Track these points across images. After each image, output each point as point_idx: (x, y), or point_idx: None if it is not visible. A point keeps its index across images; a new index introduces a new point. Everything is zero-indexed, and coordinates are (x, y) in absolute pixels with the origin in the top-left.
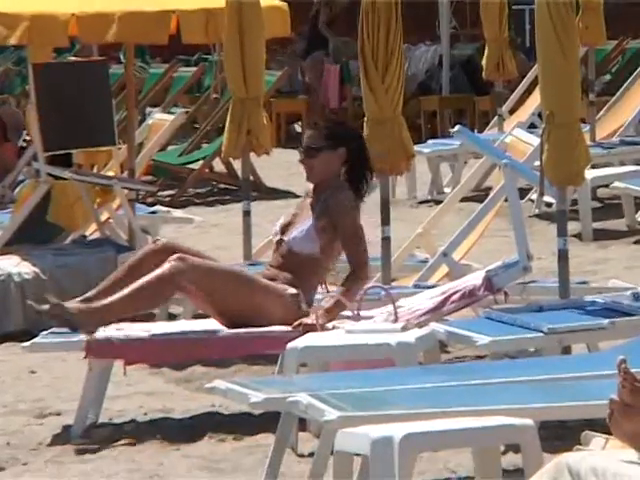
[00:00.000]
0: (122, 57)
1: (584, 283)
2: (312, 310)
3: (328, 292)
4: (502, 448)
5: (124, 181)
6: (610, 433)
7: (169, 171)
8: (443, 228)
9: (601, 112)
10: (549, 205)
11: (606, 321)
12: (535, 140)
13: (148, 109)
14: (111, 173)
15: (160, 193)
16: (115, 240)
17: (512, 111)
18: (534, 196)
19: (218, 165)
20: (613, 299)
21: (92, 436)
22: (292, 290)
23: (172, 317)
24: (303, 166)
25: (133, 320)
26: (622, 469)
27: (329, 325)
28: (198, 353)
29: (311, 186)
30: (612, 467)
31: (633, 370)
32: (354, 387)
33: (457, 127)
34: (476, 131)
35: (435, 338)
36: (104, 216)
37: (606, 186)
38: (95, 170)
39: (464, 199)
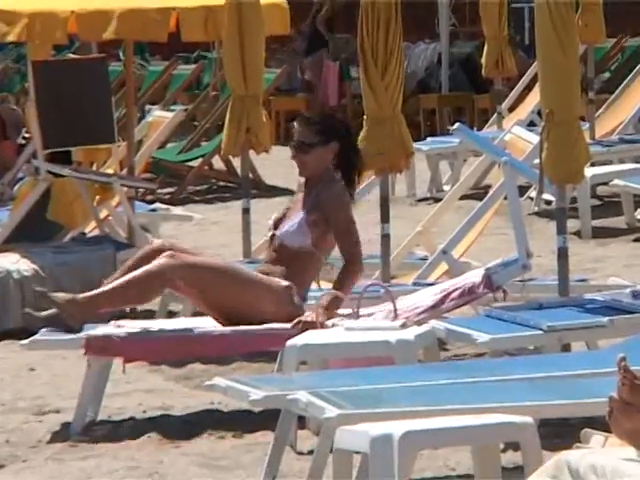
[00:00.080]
0: (121, 54)
1: (583, 281)
2: (313, 309)
3: (320, 288)
4: (502, 446)
5: (123, 179)
6: (610, 431)
7: (168, 169)
8: (442, 226)
9: (600, 110)
10: (548, 203)
11: (605, 319)
12: (534, 138)
13: (147, 106)
14: (110, 171)
15: (159, 191)
16: (114, 238)
17: (511, 109)
18: (533, 194)
19: (217, 163)
20: (612, 297)
21: (91, 434)
22: (284, 283)
23: (172, 315)
24: (295, 162)
25: (133, 318)
26: (621, 467)
27: (328, 323)
28: (197, 351)
29: (303, 180)
30: (611, 465)
31: (633, 368)
32: (353, 385)
33: (456, 125)
34: (475, 129)
35: (434, 336)
36: (103, 213)
37: (605, 184)
38: (94, 167)
39: (463, 197)
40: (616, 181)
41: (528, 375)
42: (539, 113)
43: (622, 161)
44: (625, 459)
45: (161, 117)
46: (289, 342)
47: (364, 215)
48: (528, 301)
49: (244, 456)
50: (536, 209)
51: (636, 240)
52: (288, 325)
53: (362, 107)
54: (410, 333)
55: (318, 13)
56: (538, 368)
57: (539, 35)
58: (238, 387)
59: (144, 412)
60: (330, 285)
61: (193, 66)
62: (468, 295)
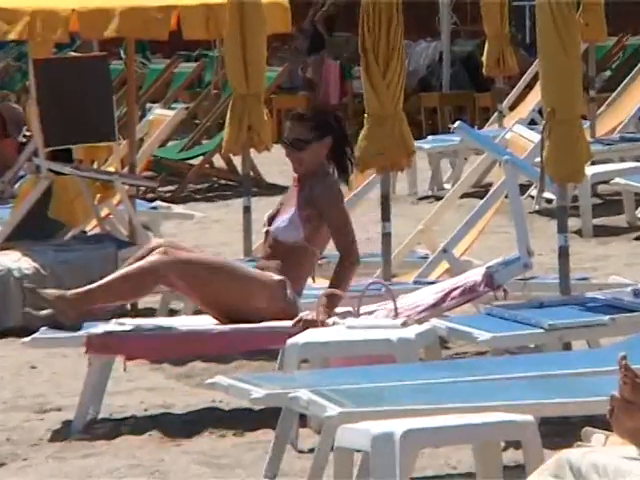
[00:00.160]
0: (122, 53)
1: (584, 279)
2: (312, 307)
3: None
4: (503, 444)
5: (125, 177)
6: (611, 430)
7: (170, 167)
8: (443, 224)
9: (601, 108)
10: (549, 201)
11: (607, 317)
12: (536, 136)
13: (148, 105)
14: (112, 169)
15: (160, 189)
16: (116, 236)
17: (512, 107)
18: (534, 192)
19: (218, 161)
20: (614, 295)
21: (92, 432)
22: (277, 277)
23: (173, 313)
24: (291, 159)
25: (134, 316)
26: (623, 465)
27: (329, 321)
28: (199, 349)
29: (295, 175)
30: (613, 463)
31: (634, 366)
32: (355, 383)
33: (457, 123)
34: (476, 127)
35: (436, 334)
36: (105, 212)
37: (606, 182)
38: (95, 166)
39: (464, 195)
40: (617, 180)
41: (529, 373)
42: (540, 112)
43: (623, 160)
44: (626, 458)
45: (162, 115)
46: (290, 340)
47: (365, 213)
48: (529, 300)
49: (245, 454)
50: (537, 207)
51: (637, 239)
52: (288, 323)
53: (363, 106)
54: (411, 331)
55: (317, 12)
56: (539, 367)
57: (540, 34)
58: (239, 385)
59: (145, 410)
60: (327, 282)
61: (194, 64)
62: (469, 294)
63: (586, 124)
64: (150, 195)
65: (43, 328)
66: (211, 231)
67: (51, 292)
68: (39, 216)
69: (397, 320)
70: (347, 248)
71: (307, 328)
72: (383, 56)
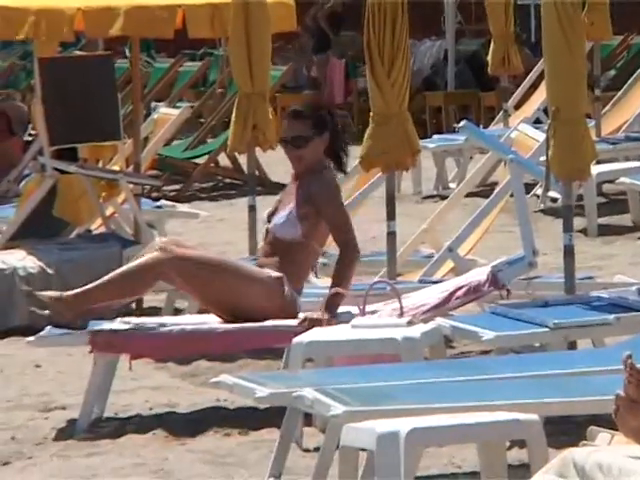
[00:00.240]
0: (127, 51)
1: (589, 279)
2: (315, 306)
3: (316, 275)
4: (507, 443)
5: (129, 175)
6: (616, 429)
7: (174, 166)
8: (448, 223)
9: (606, 107)
10: (554, 200)
11: (612, 316)
12: (541, 135)
13: (153, 104)
14: (116, 167)
15: (165, 188)
16: (121, 235)
17: (517, 106)
18: (539, 191)
19: (223, 160)
20: (619, 294)
21: (97, 430)
22: (274, 274)
23: (178, 312)
24: (290, 157)
25: (139, 315)
26: (628, 465)
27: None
28: (203, 347)
29: (293, 171)
30: (618, 463)
31: (639, 366)
32: (360, 382)
33: (463, 122)
34: (481, 126)
35: (440, 333)
36: (109, 210)
37: (611, 181)
38: (100, 164)
39: (469, 194)
40: (622, 179)
41: (534, 372)
42: (545, 111)
43: (628, 159)
44: (631, 457)
45: (167, 114)
46: (295, 339)
47: (370, 212)
48: (534, 299)
49: (250, 453)
50: (542, 207)
51: None
52: (293, 322)
53: (368, 105)
54: (416, 331)
55: (319, 10)
56: (544, 366)
57: (545, 33)
58: (244, 384)
59: (150, 409)
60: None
61: (199, 63)
62: (474, 293)
63: (591, 123)
64: (155, 194)
65: (48, 327)
66: (216, 230)
67: (47, 294)
68: (44, 215)
69: (402, 319)
70: (346, 244)
71: (312, 327)
72: (388, 55)
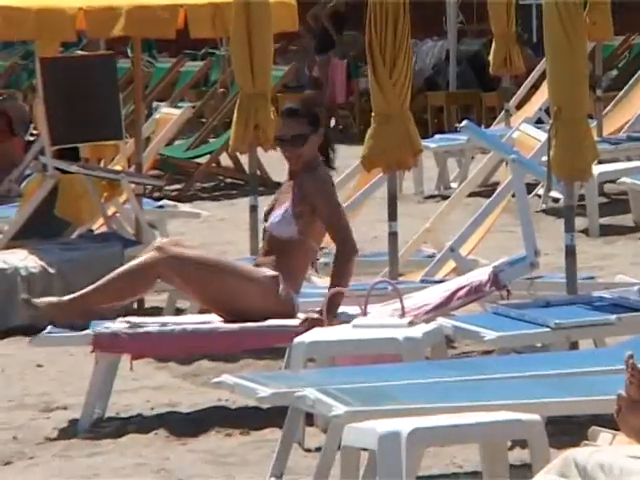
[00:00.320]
0: (129, 51)
1: (591, 279)
2: (318, 305)
3: (317, 272)
4: (509, 443)
5: (131, 175)
6: (617, 429)
7: (176, 165)
8: (450, 223)
9: (608, 108)
10: (556, 200)
11: (613, 316)
12: (542, 135)
13: (155, 103)
14: (118, 167)
15: (167, 187)
16: (122, 234)
17: (519, 106)
18: (541, 191)
19: (225, 160)
20: (620, 295)
21: (99, 430)
22: (270, 273)
23: (179, 311)
24: (289, 156)
25: (140, 314)
26: (629, 465)
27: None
28: (205, 347)
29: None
30: (619, 463)
31: None
32: (361, 382)
33: (464, 122)
34: (483, 126)
35: (442, 333)
36: (111, 210)
37: (613, 182)
38: (102, 164)
39: (471, 194)
40: (624, 179)
41: (536, 372)
42: (547, 111)
43: (629, 159)
44: (633, 457)
45: (169, 114)
46: (297, 339)
47: (371, 212)
48: (536, 299)
49: (251, 453)
50: (544, 207)
51: None
52: (295, 321)
53: (370, 105)
54: (418, 331)
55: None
56: (546, 365)
57: (547, 33)
58: (246, 384)
59: (151, 409)
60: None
61: (200, 63)
62: (475, 293)
63: (593, 123)
64: (156, 194)
65: (49, 327)
66: (217, 230)
67: (43, 301)
68: (45, 215)
69: (404, 319)
70: (343, 242)
71: (313, 327)
72: (390, 55)
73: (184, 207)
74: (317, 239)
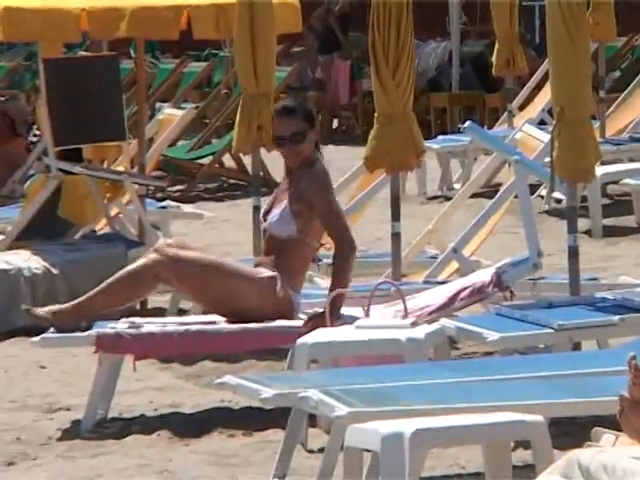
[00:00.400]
0: (132, 52)
1: (594, 280)
2: (320, 306)
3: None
4: (512, 444)
5: (134, 176)
6: (620, 430)
7: (179, 166)
8: (453, 224)
9: (611, 108)
10: (559, 201)
11: (616, 317)
12: (545, 136)
13: (158, 104)
14: (121, 168)
15: (170, 188)
16: (125, 235)
17: (522, 107)
18: (544, 192)
19: (228, 161)
20: (623, 295)
21: (102, 431)
22: (267, 274)
23: (182, 312)
24: (289, 154)
25: (143, 315)
26: (632, 466)
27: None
28: (208, 348)
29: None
30: (622, 464)
31: None
32: (364, 383)
33: (467, 123)
34: (486, 127)
35: (445, 334)
36: (114, 211)
37: (616, 183)
38: (105, 165)
39: (474, 195)
40: (627, 180)
41: (539, 373)
42: (550, 112)
43: (632, 160)
44: (636, 458)
45: (172, 115)
46: (300, 340)
47: (374, 213)
48: (538, 300)
49: (254, 454)
50: (546, 208)
51: None
52: (298, 322)
53: (373, 106)
54: (420, 331)
55: (330, 12)
56: (549, 367)
57: (550, 33)
58: (249, 385)
59: (154, 410)
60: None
61: (203, 64)
62: (478, 294)
63: (596, 124)
64: (159, 195)
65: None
66: (220, 231)
67: (45, 310)
68: (49, 215)
69: (406, 320)
70: (341, 240)
71: (316, 328)
72: (393, 56)
73: (187, 208)
74: (317, 237)
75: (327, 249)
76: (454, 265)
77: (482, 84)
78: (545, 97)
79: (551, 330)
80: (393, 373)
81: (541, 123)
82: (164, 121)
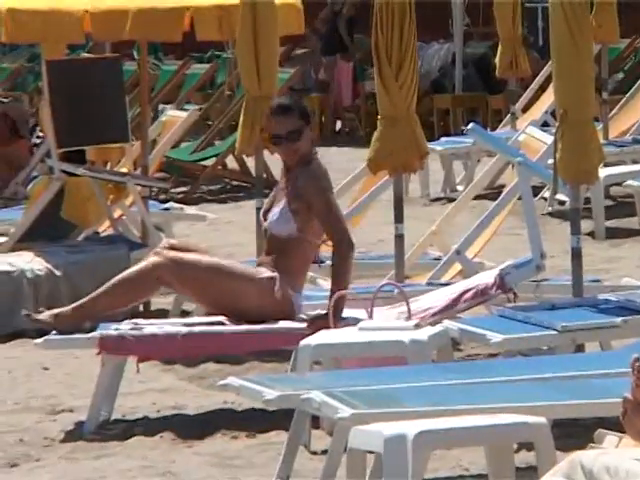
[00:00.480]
0: (135, 54)
1: (597, 281)
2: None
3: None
4: (515, 446)
5: (137, 178)
6: (623, 431)
7: (182, 168)
8: (456, 226)
9: (614, 110)
10: (562, 203)
11: (619, 319)
12: (548, 138)
13: (161, 106)
14: (124, 170)
15: (173, 190)
16: (128, 237)
17: (525, 109)
18: (547, 194)
19: (231, 162)
20: (626, 297)
21: (105, 433)
22: (266, 274)
23: (185, 314)
24: (286, 152)
25: (146, 317)
26: (635, 467)
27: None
28: (211, 349)
29: (282, 166)
30: (625, 465)
31: None
32: (367, 385)
33: (470, 125)
34: (489, 129)
35: (448, 336)
36: (117, 213)
37: (619, 184)
38: (108, 167)
39: (477, 197)
40: (630, 182)
41: (542, 375)
42: (553, 113)
43: (635, 162)
44: (639, 460)
45: (175, 116)
46: (303, 342)
47: (377, 215)
48: (541, 301)
49: (258, 456)
50: (550, 209)
51: None
52: (301, 324)
53: (376, 107)
54: (424, 333)
55: (337, 14)
56: (552, 368)
57: (553, 35)
58: (252, 387)
59: (157, 411)
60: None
61: (206, 66)
62: (481, 296)
63: (599, 126)
64: (162, 196)
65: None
66: (223, 232)
67: (46, 315)
68: (52, 217)
69: (410, 322)
70: (340, 240)
71: (319, 329)
72: (396, 58)
73: (190, 210)
74: (317, 234)
75: (329, 246)
76: (457, 267)
77: (485, 86)
78: (548, 99)
79: (554, 332)
80: (396, 375)
81: (544, 125)
82: (167, 123)
